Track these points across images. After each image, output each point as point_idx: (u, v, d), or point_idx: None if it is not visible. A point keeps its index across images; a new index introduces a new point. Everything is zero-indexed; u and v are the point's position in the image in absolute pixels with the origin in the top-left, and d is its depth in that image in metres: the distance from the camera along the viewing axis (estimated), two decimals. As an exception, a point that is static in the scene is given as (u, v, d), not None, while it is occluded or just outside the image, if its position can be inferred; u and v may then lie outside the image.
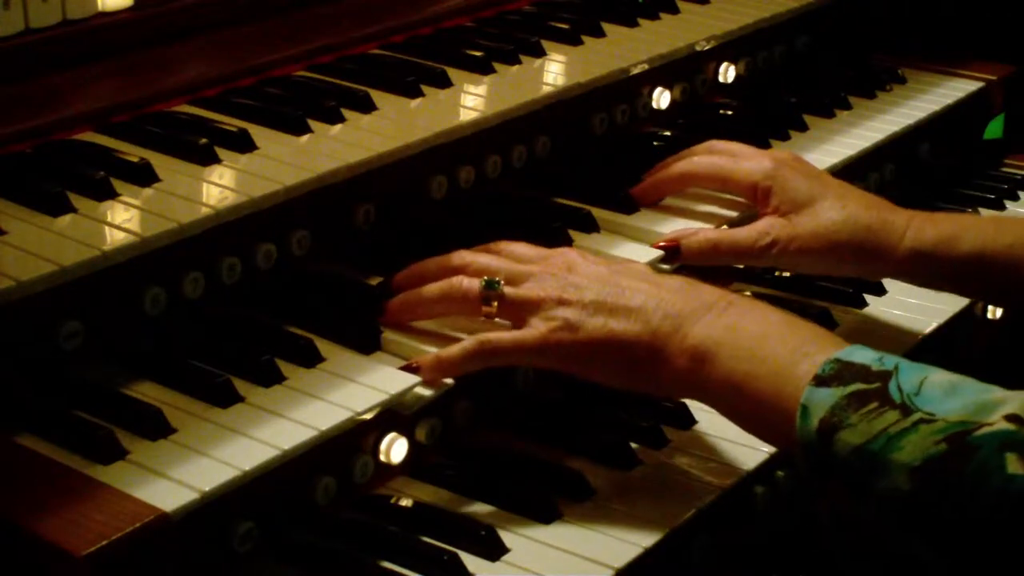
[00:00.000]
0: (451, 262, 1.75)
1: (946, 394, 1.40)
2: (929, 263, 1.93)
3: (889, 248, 1.93)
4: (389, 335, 1.72)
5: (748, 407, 1.55)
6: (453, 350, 1.66)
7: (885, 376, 1.43)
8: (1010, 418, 1.34)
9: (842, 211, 1.93)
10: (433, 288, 1.72)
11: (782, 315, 1.61)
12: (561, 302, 1.65)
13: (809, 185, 1.96)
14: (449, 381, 1.67)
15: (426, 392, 1.65)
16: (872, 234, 1.92)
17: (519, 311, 1.68)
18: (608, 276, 1.68)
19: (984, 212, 2.45)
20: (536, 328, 1.65)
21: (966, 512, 1.33)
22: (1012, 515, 1.31)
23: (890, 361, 1.46)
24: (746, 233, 1.95)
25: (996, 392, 1.39)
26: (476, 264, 1.73)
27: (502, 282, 1.68)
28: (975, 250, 1.91)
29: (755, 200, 2.00)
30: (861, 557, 1.43)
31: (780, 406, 1.48)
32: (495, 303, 1.68)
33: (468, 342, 1.66)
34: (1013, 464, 1.31)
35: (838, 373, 1.45)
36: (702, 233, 1.97)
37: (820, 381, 1.45)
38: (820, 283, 2.20)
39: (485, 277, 1.69)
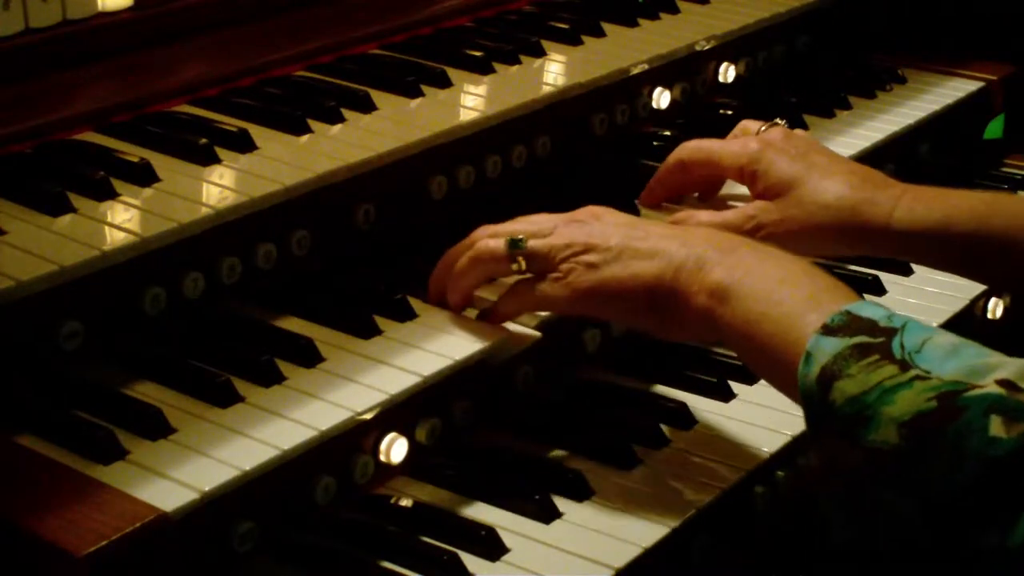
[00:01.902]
0: (476, 234, 1.78)
1: (946, 355, 1.40)
2: (920, 244, 1.91)
3: (876, 229, 1.91)
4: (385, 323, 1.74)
5: (759, 349, 1.56)
6: (499, 304, 1.75)
7: (890, 332, 1.44)
8: (1002, 382, 1.34)
9: (825, 193, 1.92)
10: (463, 260, 1.75)
11: (803, 263, 1.62)
12: (587, 247, 1.68)
13: (794, 167, 1.95)
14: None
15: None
16: (857, 215, 1.91)
17: (546, 262, 1.70)
18: (633, 222, 1.72)
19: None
20: (564, 275, 1.68)
21: (946, 470, 1.33)
22: (988, 477, 1.31)
23: (899, 320, 1.46)
24: (734, 216, 1.96)
25: (995, 357, 1.40)
26: (500, 231, 1.76)
27: (526, 239, 1.71)
28: (968, 232, 1.89)
29: (743, 183, 2.01)
30: (847, 510, 1.43)
31: (788, 350, 1.50)
32: (521, 259, 1.71)
33: (503, 300, 1.74)
34: (996, 427, 1.31)
35: (846, 324, 1.46)
36: (696, 216, 1.98)
37: (827, 330, 1.46)
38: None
39: (509, 236, 1.72)
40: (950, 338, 1.44)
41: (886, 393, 1.38)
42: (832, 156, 1.99)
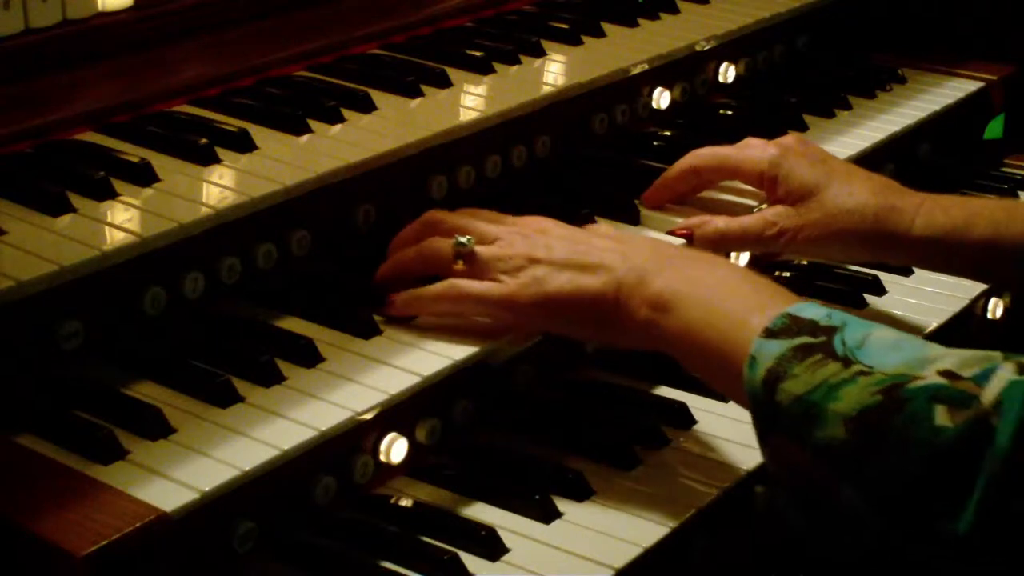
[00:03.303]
0: (425, 218, 1.81)
1: (887, 349, 1.43)
2: (939, 250, 1.93)
3: (898, 236, 1.92)
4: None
5: (703, 357, 1.58)
6: (426, 289, 1.73)
7: (831, 331, 1.46)
8: (943, 373, 1.37)
9: (848, 199, 1.93)
10: (409, 251, 1.79)
11: (743, 271, 1.66)
12: (531, 260, 1.70)
13: (815, 172, 1.96)
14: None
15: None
16: (879, 223, 1.92)
17: (489, 269, 1.72)
18: (577, 235, 1.74)
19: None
20: (506, 283, 1.70)
21: (894, 462, 1.35)
22: (935, 466, 1.33)
23: (838, 318, 1.49)
24: (753, 222, 1.96)
25: (935, 349, 1.42)
26: (448, 222, 1.78)
27: (473, 240, 1.73)
28: (987, 237, 1.90)
29: (762, 188, 2.01)
30: (803, 510, 1.45)
31: (732, 356, 1.52)
32: (462, 262, 1.73)
33: (441, 284, 1.73)
34: (941, 416, 1.33)
35: (787, 327, 1.48)
36: (713, 222, 1.98)
37: (770, 333, 1.48)
38: (818, 282, 2.20)
39: (456, 237, 1.73)
40: (890, 333, 1.47)
41: (831, 390, 1.40)
42: (848, 164, 2.01)
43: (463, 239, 1.73)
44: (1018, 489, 1.29)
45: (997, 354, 1.38)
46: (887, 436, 1.35)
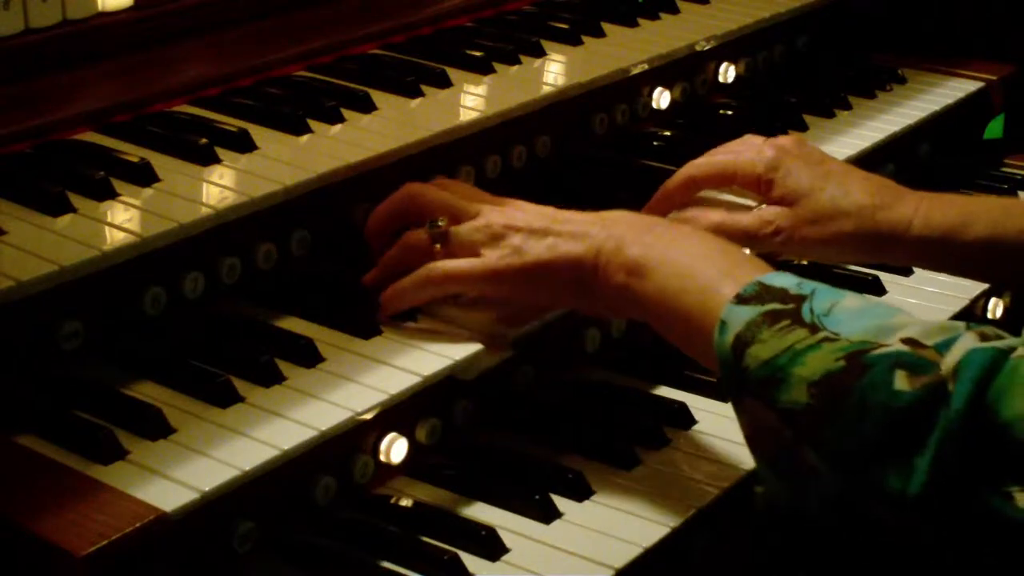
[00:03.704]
0: (402, 191, 1.81)
1: (854, 316, 1.45)
2: (938, 250, 1.93)
3: (896, 236, 1.92)
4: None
5: (676, 322, 1.61)
6: (405, 280, 1.74)
7: (800, 299, 1.49)
8: (907, 341, 1.39)
9: (845, 200, 1.93)
10: (391, 252, 1.79)
11: (719, 241, 1.68)
12: (508, 228, 1.72)
13: (811, 174, 1.97)
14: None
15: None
16: (877, 223, 1.92)
17: (467, 244, 1.73)
18: (554, 210, 1.76)
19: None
20: (486, 256, 1.71)
21: (852, 424, 1.37)
22: (890, 426, 1.35)
23: (808, 286, 1.51)
24: (750, 220, 1.96)
25: (901, 317, 1.45)
26: (426, 195, 1.79)
27: (445, 220, 1.74)
28: (985, 236, 1.90)
29: (759, 191, 2.01)
30: (774, 468, 1.48)
31: (704, 321, 1.54)
32: (438, 244, 1.74)
33: (420, 270, 1.73)
34: (901, 381, 1.35)
35: (758, 294, 1.51)
36: (709, 216, 1.98)
37: (740, 299, 1.51)
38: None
39: (429, 221, 1.75)
40: (858, 300, 1.49)
41: (797, 355, 1.43)
42: (845, 164, 2.01)
43: (436, 221, 1.74)
44: (968, 450, 1.31)
45: (961, 324, 1.41)
46: (848, 400, 1.38)
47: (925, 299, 2.18)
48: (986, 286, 2.22)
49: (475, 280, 1.72)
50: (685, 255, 1.62)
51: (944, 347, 1.37)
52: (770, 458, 1.48)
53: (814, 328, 1.44)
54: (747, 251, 1.79)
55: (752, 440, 1.51)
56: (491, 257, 1.71)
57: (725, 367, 1.49)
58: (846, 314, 1.45)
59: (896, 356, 1.37)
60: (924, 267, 2.06)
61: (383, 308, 1.75)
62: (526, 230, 1.71)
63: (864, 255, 2.00)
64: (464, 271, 1.72)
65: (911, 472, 1.33)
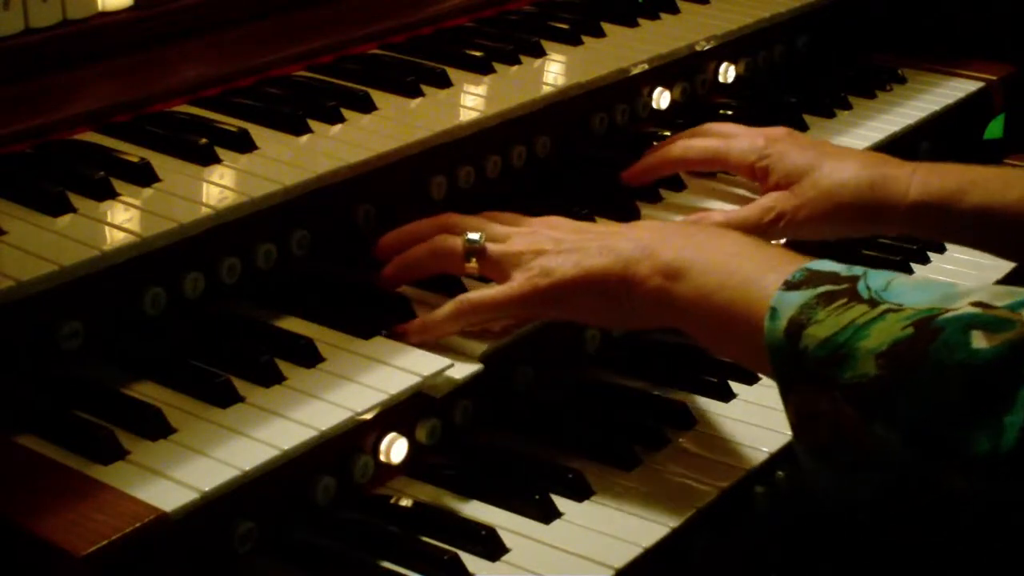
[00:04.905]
0: (440, 220, 1.81)
1: (914, 289, 1.42)
2: (934, 216, 1.93)
3: (894, 203, 1.92)
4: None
5: (718, 319, 1.57)
6: (437, 312, 1.72)
7: (854, 279, 1.46)
8: (976, 304, 1.36)
9: (843, 172, 1.94)
10: (421, 247, 1.79)
11: (748, 237, 1.66)
12: (539, 253, 1.71)
13: (805, 155, 1.98)
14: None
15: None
16: (875, 190, 1.93)
17: (500, 267, 1.73)
18: (581, 226, 1.76)
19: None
20: (516, 280, 1.70)
21: (929, 390, 1.33)
22: (974, 385, 1.31)
23: (858, 269, 1.49)
24: (750, 211, 1.97)
25: (963, 286, 1.42)
26: (463, 223, 1.79)
27: (484, 238, 1.74)
28: (981, 204, 1.90)
29: (754, 179, 2.01)
30: (826, 460, 1.44)
31: (749, 312, 1.51)
32: (475, 259, 1.74)
33: (450, 303, 1.72)
34: (978, 339, 1.32)
35: (807, 279, 1.48)
36: (711, 216, 1.99)
37: (789, 285, 1.48)
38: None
39: (467, 234, 1.74)
40: (914, 278, 1.49)
41: (859, 330, 1.39)
42: (839, 146, 2.01)
43: (474, 236, 1.74)
44: None
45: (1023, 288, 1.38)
46: (921, 366, 1.33)
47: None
48: (1007, 271, 2.21)
49: (505, 307, 1.72)
50: (719, 252, 1.61)
51: (1018, 306, 1.33)
52: (820, 448, 1.44)
53: (873, 303, 1.41)
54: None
55: (800, 430, 1.46)
56: (520, 281, 1.70)
57: (778, 355, 1.45)
58: (905, 287, 1.43)
59: (969, 317, 1.34)
60: (921, 235, 2.06)
61: (408, 335, 1.72)
62: (554, 252, 1.70)
63: (864, 227, 2.00)
64: (494, 300, 1.71)
65: (1001, 431, 1.29)
